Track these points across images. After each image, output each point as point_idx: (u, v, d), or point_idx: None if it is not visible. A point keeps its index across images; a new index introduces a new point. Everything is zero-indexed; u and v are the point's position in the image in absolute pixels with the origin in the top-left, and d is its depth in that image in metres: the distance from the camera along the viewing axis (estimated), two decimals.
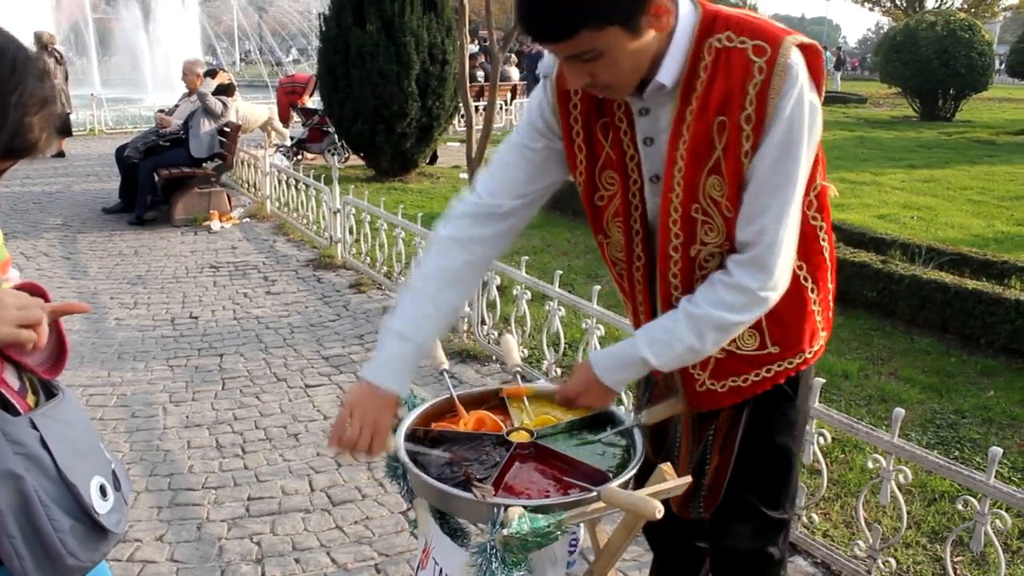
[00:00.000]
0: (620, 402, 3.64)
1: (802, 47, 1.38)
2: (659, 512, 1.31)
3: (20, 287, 1.33)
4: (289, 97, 11.91)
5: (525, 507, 1.33)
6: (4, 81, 1.20)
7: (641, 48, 1.36)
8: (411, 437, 1.60)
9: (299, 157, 10.82)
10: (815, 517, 2.87)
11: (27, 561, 1.20)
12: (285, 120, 12.06)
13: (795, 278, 1.55)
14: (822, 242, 1.59)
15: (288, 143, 11.14)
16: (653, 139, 1.50)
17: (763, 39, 1.37)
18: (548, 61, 1.55)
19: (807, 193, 1.51)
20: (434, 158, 11.04)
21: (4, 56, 1.20)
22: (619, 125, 1.53)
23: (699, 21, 1.40)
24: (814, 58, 1.39)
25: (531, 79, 18.97)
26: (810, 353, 1.64)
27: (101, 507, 1.32)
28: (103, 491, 1.33)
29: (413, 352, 1.53)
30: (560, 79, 1.54)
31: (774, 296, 1.47)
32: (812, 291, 1.59)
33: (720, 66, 1.38)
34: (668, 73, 1.40)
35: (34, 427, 1.26)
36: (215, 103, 7.62)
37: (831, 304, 1.68)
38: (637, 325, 1.72)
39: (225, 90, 7.85)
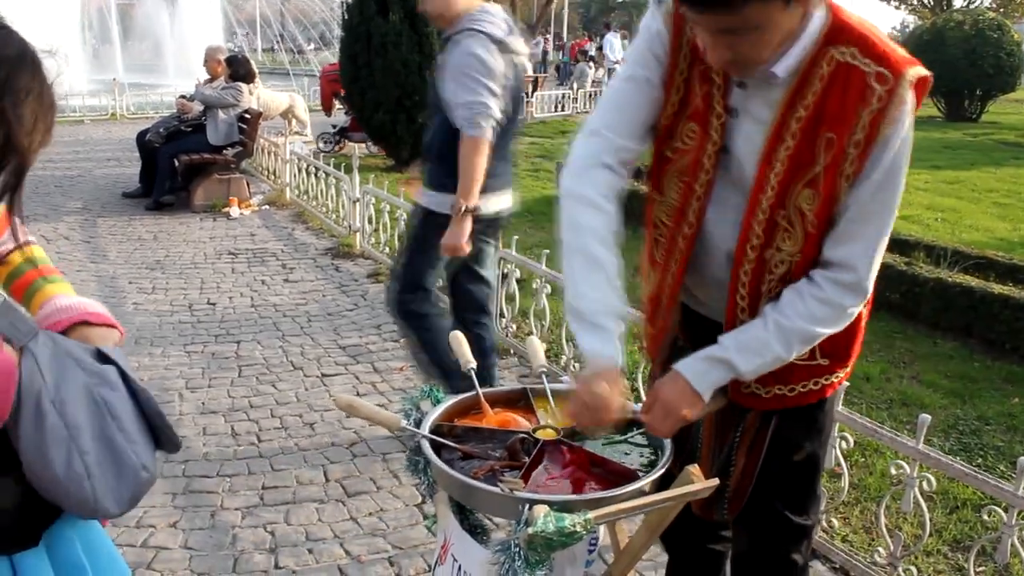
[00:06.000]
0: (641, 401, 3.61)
1: (917, 82, 1.37)
2: None
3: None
4: (332, 85, 11.77)
5: (552, 503, 1.30)
6: (27, 84, 1.18)
7: (787, 26, 1.34)
8: (435, 432, 1.58)
9: (340, 145, 10.75)
10: (835, 521, 2.83)
11: (97, 480, 1.18)
12: (328, 109, 12.00)
13: None
14: None
15: (308, 133, 11.11)
16: (738, 111, 1.48)
17: (887, 67, 1.36)
18: None
19: None
20: None
21: (25, 59, 1.18)
22: (715, 79, 1.49)
23: (827, 27, 1.38)
24: (922, 90, 1.39)
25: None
26: (850, 366, 1.68)
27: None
28: None
29: (615, 330, 1.50)
30: (676, 3, 1.45)
31: (856, 312, 1.53)
32: (864, 306, 1.59)
33: (838, 80, 1.38)
34: (784, 65, 1.39)
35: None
36: (220, 97, 7.60)
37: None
38: (657, 299, 1.68)
39: (244, 76, 7.83)
